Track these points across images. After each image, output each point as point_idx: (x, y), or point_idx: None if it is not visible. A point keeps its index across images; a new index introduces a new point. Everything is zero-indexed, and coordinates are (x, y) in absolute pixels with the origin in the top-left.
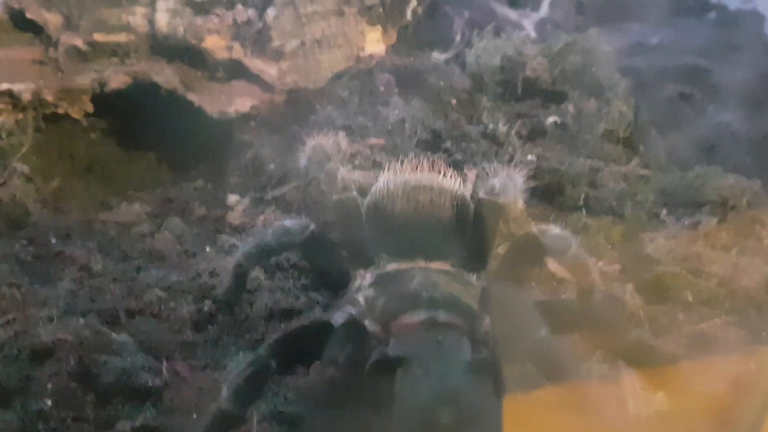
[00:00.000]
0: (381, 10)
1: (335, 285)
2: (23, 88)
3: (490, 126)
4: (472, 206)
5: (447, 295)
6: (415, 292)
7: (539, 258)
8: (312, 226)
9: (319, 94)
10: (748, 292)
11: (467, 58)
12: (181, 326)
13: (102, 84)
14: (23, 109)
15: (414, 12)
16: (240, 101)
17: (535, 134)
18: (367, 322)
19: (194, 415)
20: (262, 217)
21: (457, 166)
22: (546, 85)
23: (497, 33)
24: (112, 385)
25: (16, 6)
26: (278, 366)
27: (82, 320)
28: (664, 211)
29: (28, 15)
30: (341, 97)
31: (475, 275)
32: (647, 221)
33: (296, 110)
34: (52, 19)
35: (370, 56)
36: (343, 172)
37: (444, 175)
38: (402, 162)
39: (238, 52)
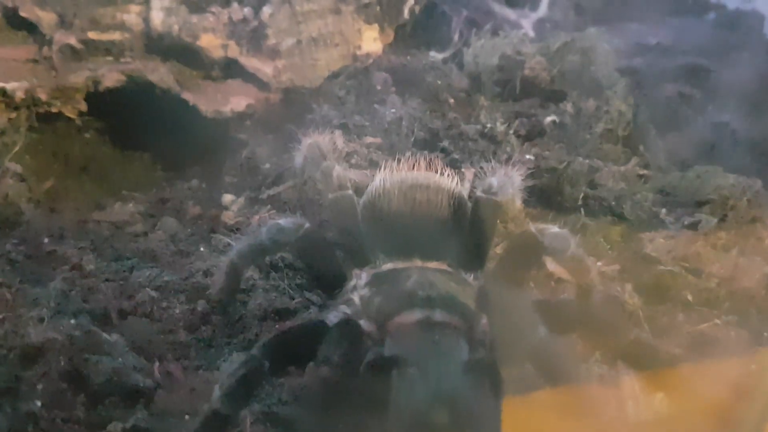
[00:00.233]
0: (378, 8)
1: (330, 284)
2: (16, 87)
3: (488, 125)
4: (469, 205)
5: (444, 294)
6: (411, 291)
7: (538, 257)
8: (306, 225)
9: (316, 93)
10: (748, 292)
11: (465, 58)
12: (174, 326)
13: (96, 83)
14: (16, 107)
15: (411, 11)
16: (235, 100)
17: (533, 134)
18: (362, 322)
19: (186, 417)
20: (257, 217)
21: (455, 166)
22: (544, 85)
23: (495, 32)
24: (104, 386)
25: (9, 4)
26: (272, 366)
27: (73, 320)
28: (664, 211)
29: (22, 13)
30: (338, 95)
31: (472, 275)
32: (646, 221)
33: (292, 109)
34: (45, 17)
35: (367, 55)
36: (339, 171)
37: (441, 173)
38: (399, 161)
39: (233, 51)
